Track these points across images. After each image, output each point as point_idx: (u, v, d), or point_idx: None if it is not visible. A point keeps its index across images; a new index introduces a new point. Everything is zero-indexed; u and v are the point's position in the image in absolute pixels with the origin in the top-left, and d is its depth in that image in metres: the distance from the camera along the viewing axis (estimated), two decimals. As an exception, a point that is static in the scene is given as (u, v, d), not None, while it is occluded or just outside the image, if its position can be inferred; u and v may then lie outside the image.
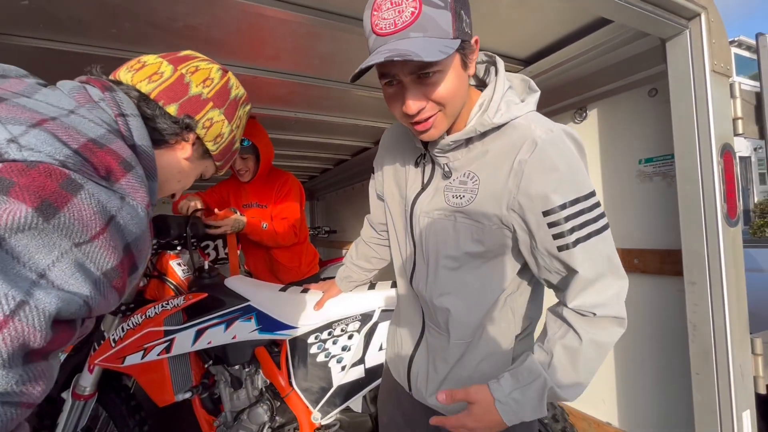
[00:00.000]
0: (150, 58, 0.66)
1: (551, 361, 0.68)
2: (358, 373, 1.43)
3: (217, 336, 1.41)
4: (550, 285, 0.75)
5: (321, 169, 3.82)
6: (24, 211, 0.36)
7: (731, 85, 1.14)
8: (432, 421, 0.75)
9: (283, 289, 1.53)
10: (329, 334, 1.44)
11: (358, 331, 1.44)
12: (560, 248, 0.66)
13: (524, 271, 0.78)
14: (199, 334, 1.40)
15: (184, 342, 1.39)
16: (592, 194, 0.67)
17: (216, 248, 2.00)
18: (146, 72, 0.63)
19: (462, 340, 0.82)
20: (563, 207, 0.65)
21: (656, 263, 1.35)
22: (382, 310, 1.41)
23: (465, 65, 0.67)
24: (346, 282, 1.37)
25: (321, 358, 1.44)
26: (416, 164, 0.84)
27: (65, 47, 1.22)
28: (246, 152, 1.89)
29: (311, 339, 1.44)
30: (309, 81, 1.61)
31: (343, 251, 3.75)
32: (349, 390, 1.43)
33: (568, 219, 0.65)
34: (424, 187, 0.81)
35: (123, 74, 0.63)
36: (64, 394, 1.46)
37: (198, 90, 0.66)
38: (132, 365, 1.38)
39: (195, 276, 1.53)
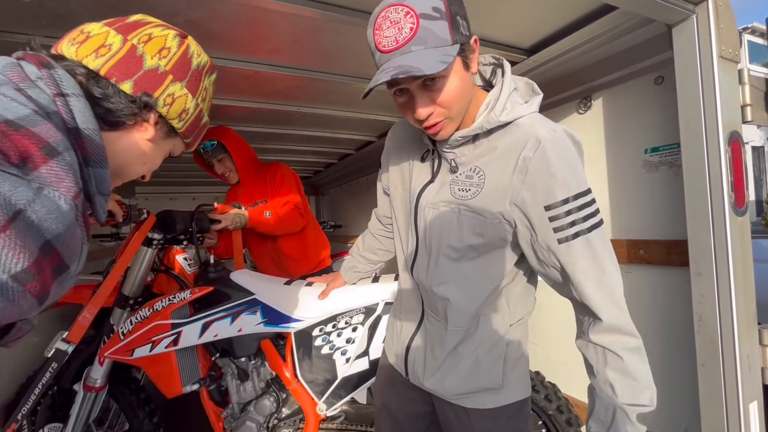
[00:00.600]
0: (95, 27, 0.57)
1: (614, 388, 0.70)
2: (362, 365, 1.44)
3: (223, 329, 1.42)
4: (549, 280, 0.78)
5: (325, 163, 3.82)
6: None
7: (740, 71, 1.11)
8: None
9: (288, 283, 1.54)
10: (333, 326, 1.45)
11: (362, 323, 1.45)
12: (560, 241, 0.69)
13: (520, 262, 0.82)
14: (205, 327, 1.41)
15: (191, 335, 1.41)
16: (590, 191, 0.70)
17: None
18: (92, 45, 0.55)
19: (459, 328, 0.85)
20: (565, 202, 0.68)
21: (662, 254, 1.33)
22: (386, 303, 1.41)
23: (467, 66, 0.70)
24: (351, 272, 1.39)
25: (326, 350, 1.45)
26: (423, 159, 0.88)
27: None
28: (217, 153, 1.91)
29: (316, 332, 1.46)
30: (312, 75, 1.61)
31: (349, 245, 3.76)
32: (354, 382, 1.44)
33: (568, 213, 0.68)
34: (430, 181, 0.84)
35: (65, 48, 0.55)
36: (75, 386, 1.49)
37: (154, 63, 0.58)
38: (141, 358, 1.41)
39: (201, 270, 1.55)
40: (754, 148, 12.56)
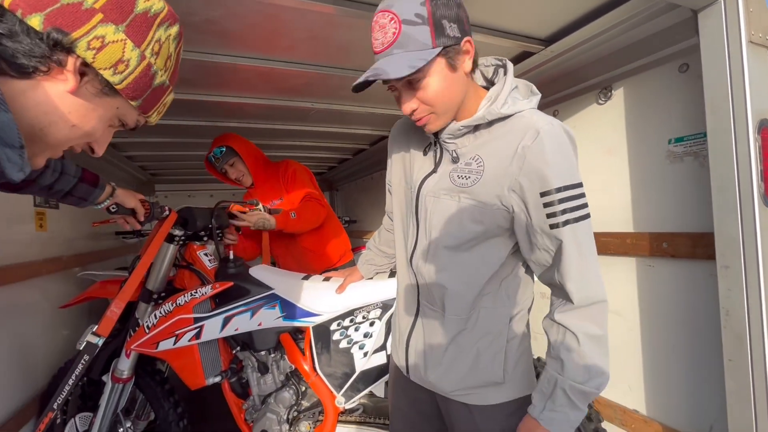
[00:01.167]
0: None
1: (563, 365, 0.75)
2: (380, 359, 1.45)
3: (243, 323, 1.45)
4: (536, 266, 0.82)
5: (339, 159, 3.83)
6: None
7: (771, 57, 1.07)
8: None
9: (306, 278, 1.56)
10: (351, 321, 1.47)
11: (380, 318, 1.46)
12: (552, 226, 0.74)
13: (519, 255, 0.86)
14: (226, 321, 1.45)
15: (212, 329, 1.44)
16: (581, 186, 0.76)
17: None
18: None
19: (457, 316, 0.87)
20: (559, 190, 0.73)
21: (687, 247, 1.29)
22: (403, 298, 1.42)
23: (452, 67, 0.74)
24: (368, 266, 1.41)
25: (343, 344, 1.47)
26: (425, 152, 0.91)
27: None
28: (228, 158, 1.98)
29: (333, 326, 1.47)
30: (327, 71, 1.61)
31: (364, 240, 3.77)
32: (372, 376, 1.46)
33: (561, 201, 0.73)
34: (433, 171, 0.88)
35: None
36: (104, 378, 1.55)
37: None
38: (165, 350, 1.45)
39: (221, 266, 1.58)
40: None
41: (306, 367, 1.49)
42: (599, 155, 1.63)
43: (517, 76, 1.58)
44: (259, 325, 1.46)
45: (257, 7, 1.15)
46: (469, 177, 0.80)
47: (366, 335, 1.45)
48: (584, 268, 0.75)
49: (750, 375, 1.01)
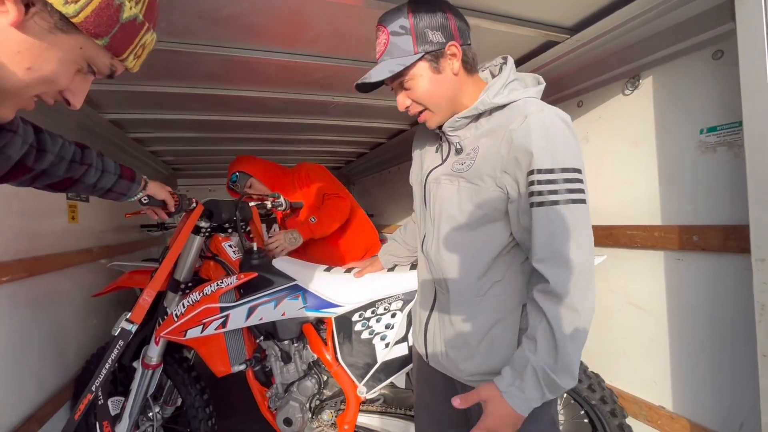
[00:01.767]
0: None
1: (536, 346, 0.76)
2: (401, 350, 1.46)
3: (267, 313, 1.49)
4: (525, 246, 0.83)
5: (357, 153, 3.84)
6: None
7: (813, 41, 1.02)
8: None
9: (328, 269, 1.58)
10: (373, 312, 1.49)
11: (401, 309, 1.47)
12: (534, 204, 0.76)
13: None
14: (251, 311, 1.48)
15: (238, 318, 1.48)
16: (578, 171, 0.76)
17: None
18: None
19: (464, 300, 0.90)
20: (548, 172, 0.74)
21: (719, 240, 1.26)
22: (424, 289, 1.43)
23: (436, 69, 0.83)
24: (388, 256, 1.46)
25: (365, 335, 1.48)
26: (436, 149, 1.00)
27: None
28: (244, 181, 2.09)
29: (355, 317, 1.49)
30: (347, 64, 1.61)
31: (381, 234, 3.78)
32: (394, 366, 1.47)
33: (550, 182, 0.74)
34: (440, 164, 0.95)
35: None
36: (135, 364, 1.61)
37: None
38: (193, 338, 1.50)
39: (245, 257, 1.62)
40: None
41: (328, 357, 1.51)
42: (625, 147, 1.59)
43: (541, 66, 1.58)
44: (282, 315, 1.49)
45: (281, 1, 1.16)
46: (465, 162, 0.87)
47: (387, 326, 1.47)
48: (561, 252, 0.74)
49: (786, 371, 0.98)
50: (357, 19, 1.29)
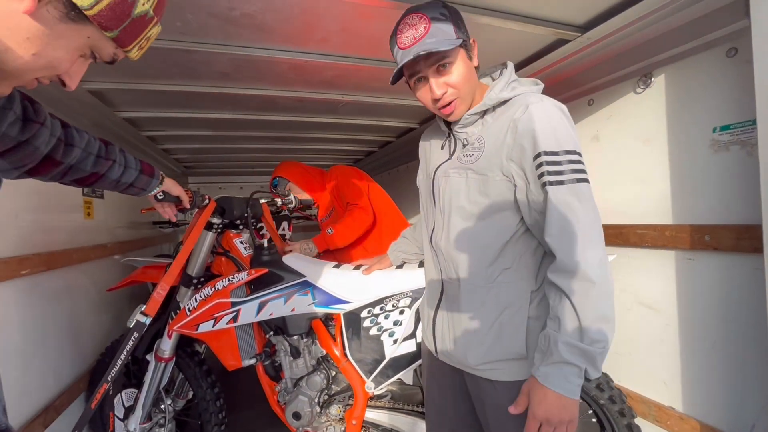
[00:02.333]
0: None
1: (560, 324, 0.78)
2: (409, 346, 1.47)
3: (277, 308, 1.51)
4: (539, 233, 0.85)
5: (366, 152, 3.85)
6: None
7: (830, 38, 1.00)
8: None
9: (337, 266, 1.60)
10: (381, 309, 1.50)
11: (409, 306, 1.48)
12: (544, 184, 0.80)
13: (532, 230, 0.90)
14: (261, 306, 1.51)
15: (248, 313, 1.51)
16: (578, 153, 0.81)
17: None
18: None
19: (471, 285, 0.92)
20: (553, 154, 0.79)
21: (731, 240, 1.24)
22: (433, 287, 1.44)
23: (470, 57, 0.90)
24: (397, 252, 1.47)
25: (374, 331, 1.50)
26: (442, 147, 1.04)
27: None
28: (284, 186, 2.19)
29: (364, 313, 1.51)
30: (358, 62, 1.62)
31: (389, 233, 3.79)
32: (401, 363, 1.48)
33: (553, 164, 0.79)
34: (448, 158, 0.99)
35: None
36: (148, 356, 1.65)
37: None
38: (205, 332, 1.53)
39: (255, 253, 1.64)
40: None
41: (337, 353, 1.53)
42: (636, 145, 1.58)
43: (551, 64, 1.58)
44: (292, 310, 1.52)
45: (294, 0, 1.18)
46: (473, 154, 0.91)
47: (396, 323, 1.48)
48: (574, 228, 0.77)
49: (799, 372, 0.97)
50: (367, 17, 1.30)
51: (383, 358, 1.48)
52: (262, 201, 1.77)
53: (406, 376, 1.52)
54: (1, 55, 0.45)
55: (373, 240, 2.08)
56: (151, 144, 2.81)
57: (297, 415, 1.55)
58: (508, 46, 1.56)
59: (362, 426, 1.52)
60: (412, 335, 1.47)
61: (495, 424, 0.94)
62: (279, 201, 1.87)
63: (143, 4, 0.51)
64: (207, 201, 1.47)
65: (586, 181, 0.80)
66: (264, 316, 1.51)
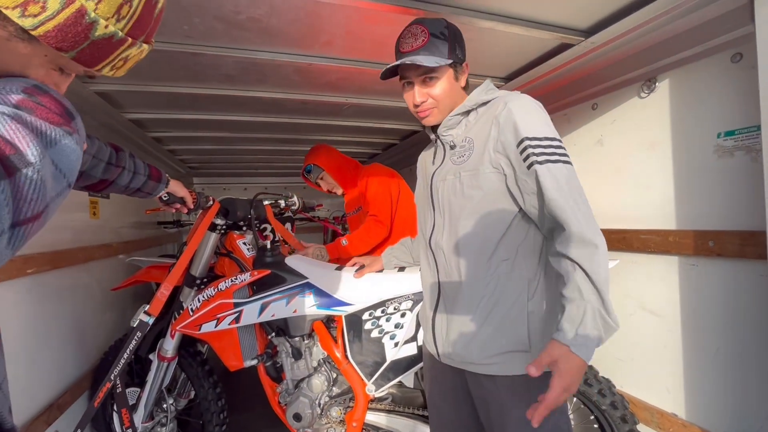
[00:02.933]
0: None
1: (581, 293, 0.79)
2: (410, 349, 1.47)
3: (279, 309, 1.52)
4: (535, 216, 0.90)
5: (370, 154, 3.87)
6: None
7: (836, 44, 1.00)
8: (529, 415, 0.78)
9: (339, 269, 1.60)
10: (383, 311, 1.50)
11: (411, 309, 1.48)
12: (531, 164, 0.85)
13: (528, 220, 0.93)
14: (263, 307, 1.51)
15: (251, 314, 1.51)
16: (558, 140, 0.87)
17: (273, 231, 2.13)
18: None
19: (475, 281, 0.94)
20: (533, 140, 0.85)
21: (735, 246, 1.24)
22: (434, 290, 1.44)
23: (456, 78, 0.99)
24: (390, 257, 1.49)
25: (375, 334, 1.50)
26: (434, 156, 1.11)
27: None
28: (317, 174, 2.12)
29: (365, 316, 1.51)
30: (361, 65, 1.64)
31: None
32: (402, 366, 1.48)
33: (537, 147, 0.85)
34: (441, 164, 1.05)
35: None
36: (151, 356, 1.66)
37: None
38: (207, 333, 1.53)
39: (258, 254, 1.65)
40: None
41: (338, 355, 1.53)
42: (640, 150, 1.58)
43: (555, 69, 1.58)
44: (294, 312, 1.52)
45: (299, 3, 1.19)
46: (464, 155, 0.97)
47: (397, 326, 1.48)
48: (571, 199, 0.82)
49: (803, 380, 0.96)
50: (371, 21, 1.31)
51: (384, 360, 1.48)
52: (266, 203, 1.78)
53: (407, 379, 1.52)
54: None
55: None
56: (156, 145, 2.83)
57: (298, 417, 1.55)
58: (512, 50, 1.56)
59: (363, 428, 1.52)
60: (414, 338, 1.47)
61: (497, 421, 0.94)
62: (283, 203, 1.88)
63: (106, 27, 0.47)
64: (211, 202, 1.48)
65: (570, 163, 0.86)
66: (266, 317, 1.52)
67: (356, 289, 1.51)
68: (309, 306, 1.51)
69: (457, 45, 0.96)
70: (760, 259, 1.13)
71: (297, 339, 1.61)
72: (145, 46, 0.55)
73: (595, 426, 1.53)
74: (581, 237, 0.80)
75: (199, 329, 1.53)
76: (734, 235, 1.24)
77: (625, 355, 1.64)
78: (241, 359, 1.57)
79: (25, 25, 0.43)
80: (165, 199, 1.20)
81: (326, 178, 2.15)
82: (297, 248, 1.88)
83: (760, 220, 1.05)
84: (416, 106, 0.99)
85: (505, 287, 0.92)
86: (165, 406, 1.75)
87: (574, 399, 1.53)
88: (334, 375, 1.63)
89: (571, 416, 1.65)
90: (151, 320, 1.21)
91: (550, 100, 1.85)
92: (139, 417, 1.60)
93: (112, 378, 1.16)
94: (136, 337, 1.19)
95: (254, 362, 1.61)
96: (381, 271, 1.54)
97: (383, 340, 1.49)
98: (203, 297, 1.55)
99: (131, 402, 1.72)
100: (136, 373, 1.84)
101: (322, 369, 1.62)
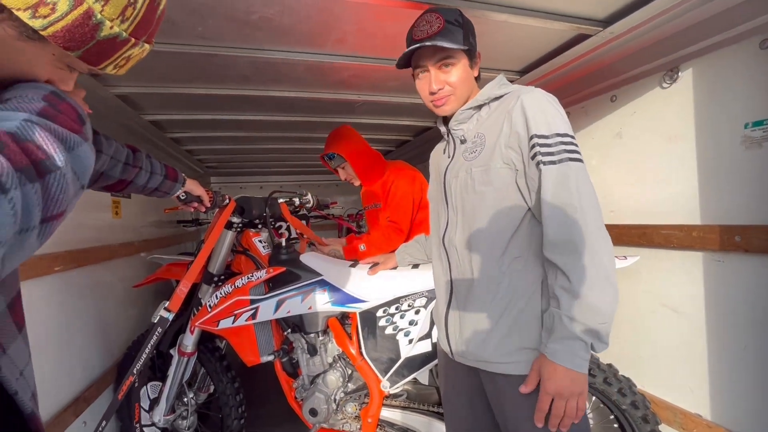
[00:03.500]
0: None
1: (558, 300, 0.81)
2: (425, 346, 1.47)
3: (295, 306, 1.53)
4: (538, 212, 0.88)
5: (384, 151, 3.86)
6: None
7: None
8: (537, 421, 0.84)
9: (353, 266, 1.61)
10: (397, 308, 1.50)
11: (425, 306, 1.48)
12: (538, 163, 0.84)
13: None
14: (279, 304, 1.53)
15: (267, 310, 1.53)
16: (570, 136, 0.85)
17: (288, 228, 2.16)
18: None
19: (488, 279, 0.93)
20: (544, 137, 0.84)
21: (763, 241, 1.18)
22: (449, 287, 1.43)
23: (471, 65, 0.98)
24: (404, 255, 1.49)
25: (389, 330, 1.50)
26: (444, 151, 1.10)
27: (159, 48, 1.37)
28: (338, 162, 2.01)
29: (380, 312, 1.51)
30: (374, 62, 1.63)
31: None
32: (417, 362, 1.48)
33: (546, 146, 0.83)
34: (452, 159, 1.04)
35: None
36: (171, 351, 1.70)
37: None
38: (225, 329, 1.56)
39: (274, 252, 1.67)
40: None
41: (353, 351, 1.54)
42: (661, 143, 1.52)
43: (572, 60, 1.54)
44: (309, 308, 1.54)
45: (311, 1, 1.19)
46: (476, 150, 0.96)
47: (411, 323, 1.48)
48: (564, 204, 0.81)
49: (837, 381, 0.92)
50: (383, 18, 1.30)
51: (398, 357, 1.48)
52: (281, 201, 1.80)
53: (422, 376, 1.52)
54: None
55: None
56: (175, 145, 2.89)
57: (314, 412, 1.57)
58: (527, 43, 1.53)
59: (378, 424, 1.53)
60: (428, 335, 1.46)
61: (512, 419, 0.93)
62: (297, 201, 1.90)
63: (111, 28, 0.50)
64: (227, 201, 1.51)
65: (579, 160, 0.83)
66: (282, 313, 1.54)
67: (370, 286, 1.52)
68: (324, 303, 1.53)
69: (470, 34, 0.96)
70: (791, 255, 1.09)
71: (312, 335, 1.62)
72: (146, 46, 0.57)
73: (615, 426, 1.50)
74: (567, 243, 0.80)
75: (217, 325, 1.56)
76: (762, 230, 1.19)
77: (646, 353, 1.60)
78: (257, 355, 1.59)
79: (35, 26, 0.45)
80: (182, 198, 1.22)
81: (347, 169, 2.05)
82: (317, 242, 1.88)
83: (790, 213, 1.01)
84: (432, 93, 0.97)
85: (519, 285, 0.91)
86: (186, 399, 1.80)
87: (593, 398, 1.51)
88: (349, 371, 1.64)
89: (590, 415, 1.62)
90: (171, 316, 1.24)
91: (567, 92, 1.81)
92: (161, 410, 1.65)
93: (135, 372, 1.20)
94: (156, 333, 1.22)
95: (271, 358, 1.63)
96: (395, 268, 1.55)
97: (397, 337, 1.49)
98: (221, 294, 1.58)
99: (153, 395, 1.77)
100: (159, 368, 1.89)
101: (338, 365, 1.63)
